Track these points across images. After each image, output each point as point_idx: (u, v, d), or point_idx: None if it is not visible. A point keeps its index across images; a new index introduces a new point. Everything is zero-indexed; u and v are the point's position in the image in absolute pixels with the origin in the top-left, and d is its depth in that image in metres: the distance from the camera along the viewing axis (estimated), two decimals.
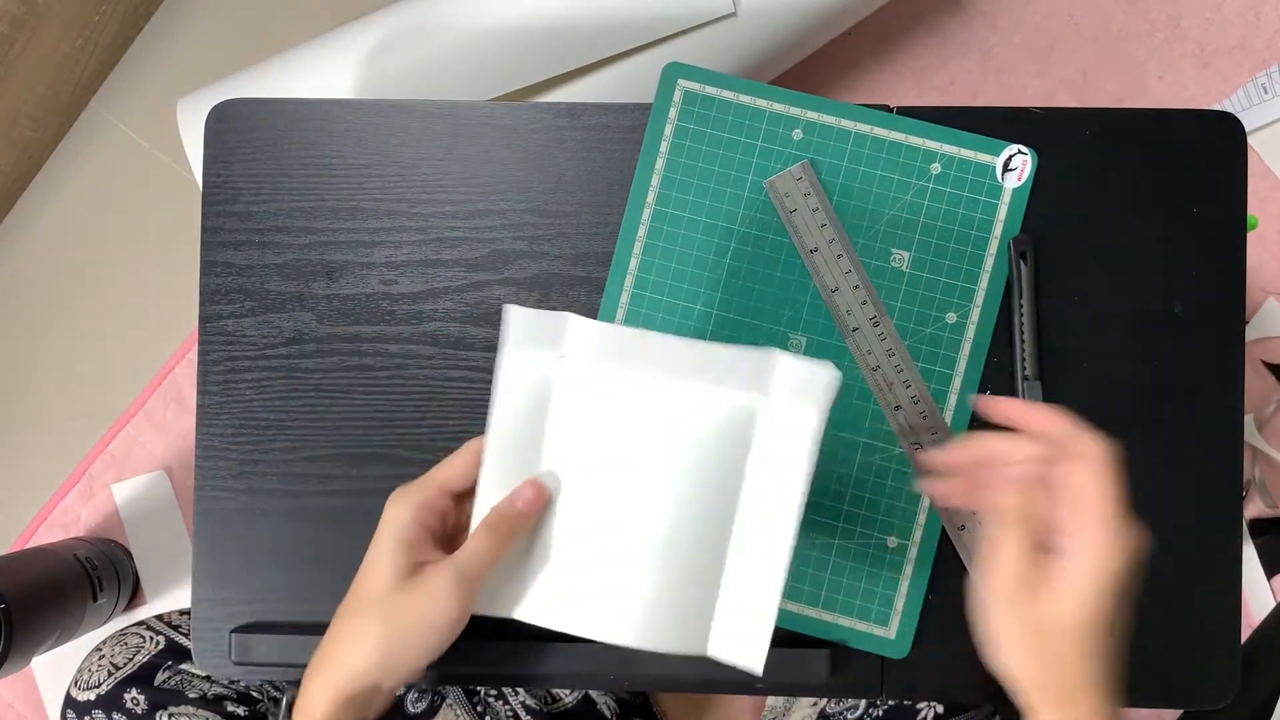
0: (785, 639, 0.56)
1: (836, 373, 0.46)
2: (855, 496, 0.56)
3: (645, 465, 0.48)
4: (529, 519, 0.47)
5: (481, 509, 0.48)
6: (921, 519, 0.55)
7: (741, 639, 0.47)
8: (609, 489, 0.48)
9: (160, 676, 0.64)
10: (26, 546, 1.04)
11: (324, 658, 0.45)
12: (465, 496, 0.49)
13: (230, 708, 0.63)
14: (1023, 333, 0.55)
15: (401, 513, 0.46)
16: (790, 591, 0.56)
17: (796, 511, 0.46)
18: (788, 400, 0.47)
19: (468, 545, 0.46)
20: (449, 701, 0.68)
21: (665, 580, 0.47)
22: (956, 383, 0.56)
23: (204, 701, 0.62)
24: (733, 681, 0.55)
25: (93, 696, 0.62)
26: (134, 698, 0.62)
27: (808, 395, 0.46)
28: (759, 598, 0.47)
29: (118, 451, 1.06)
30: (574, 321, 0.47)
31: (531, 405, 0.48)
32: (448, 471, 0.48)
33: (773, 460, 0.47)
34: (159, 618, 0.70)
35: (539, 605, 0.48)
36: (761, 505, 0.47)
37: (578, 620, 0.48)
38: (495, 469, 0.48)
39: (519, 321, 0.48)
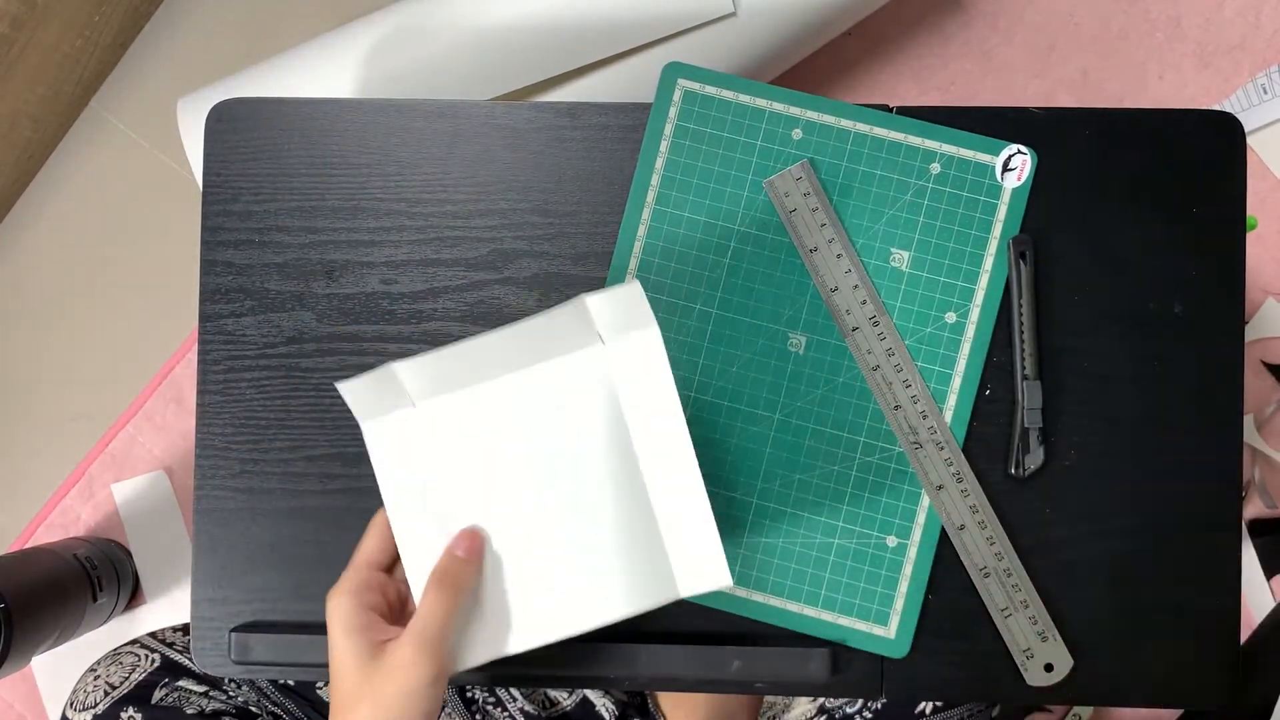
0: (785, 639, 0.56)
1: (635, 284, 0.47)
2: (855, 496, 0.56)
3: (537, 464, 0.49)
4: (473, 565, 0.48)
5: (415, 574, 0.49)
6: (921, 519, 0.55)
7: (700, 564, 0.48)
8: (518, 501, 0.49)
9: (157, 694, 0.63)
10: (26, 546, 1.04)
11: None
12: (395, 568, 0.50)
13: None
14: (1022, 332, 0.55)
15: (342, 604, 0.46)
16: (790, 591, 0.56)
17: (683, 427, 0.47)
18: (620, 334, 0.48)
19: (420, 608, 0.46)
20: (447, 710, 0.68)
21: (612, 552, 0.49)
22: (956, 382, 0.56)
23: (202, 718, 0.62)
24: (732, 681, 0.55)
25: (89, 717, 0.62)
26: (131, 717, 0.61)
27: (631, 319, 0.48)
28: (694, 520, 0.48)
29: (118, 451, 1.06)
30: (399, 368, 0.48)
31: (409, 463, 0.50)
32: (366, 550, 0.49)
33: (641, 395, 0.48)
34: (153, 635, 0.69)
35: (517, 634, 0.49)
36: (655, 441, 0.48)
37: (558, 627, 0.49)
38: (407, 535, 0.49)
39: (355, 394, 0.49)
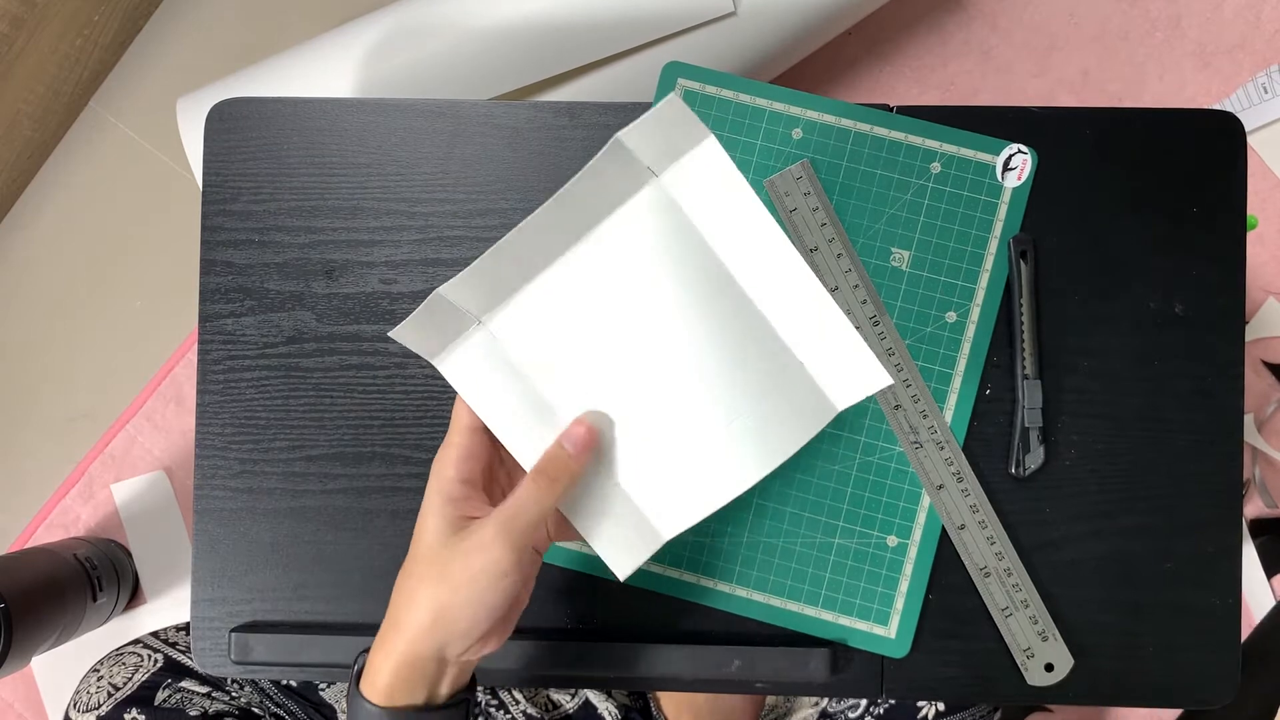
0: (785, 639, 0.56)
1: (674, 97, 0.41)
2: (855, 496, 0.56)
3: (633, 334, 0.45)
4: (580, 461, 0.44)
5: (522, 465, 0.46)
6: (921, 518, 0.55)
7: (849, 371, 0.43)
8: (627, 378, 0.45)
9: (160, 695, 0.63)
10: (26, 546, 1.04)
11: (386, 625, 0.44)
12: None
13: None
14: (1023, 332, 0.55)
15: (444, 469, 0.44)
16: (790, 591, 0.56)
17: (779, 234, 0.43)
18: (672, 159, 0.43)
19: (514, 494, 0.43)
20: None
21: (748, 395, 0.44)
22: (956, 382, 0.56)
23: (205, 718, 0.62)
24: (732, 681, 0.55)
25: (93, 718, 0.62)
26: (134, 718, 0.61)
27: (680, 138, 0.42)
28: (827, 327, 0.43)
29: (117, 451, 1.06)
30: (447, 291, 0.44)
31: (499, 384, 0.46)
32: (465, 410, 0.46)
33: (720, 217, 0.43)
34: (155, 635, 0.69)
35: (676, 515, 0.45)
36: (752, 259, 0.43)
37: (717, 493, 0.45)
38: (522, 449, 0.46)
39: (413, 335, 0.45)
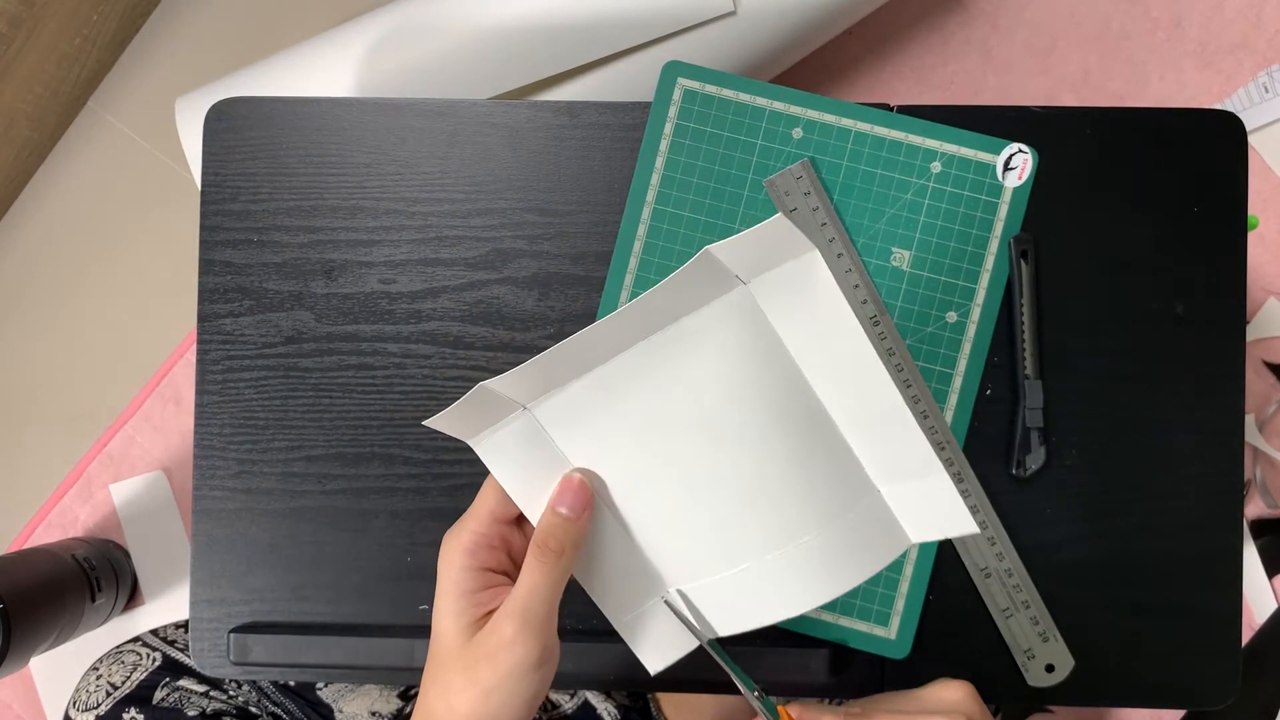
0: (785, 639, 0.55)
1: (780, 217, 0.37)
2: None
3: (703, 434, 0.40)
4: (580, 524, 0.41)
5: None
6: None
7: (929, 506, 0.40)
8: (689, 481, 0.41)
9: (159, 694, 0.63)
10: (25, 547, 1.04)
11: (424, 693, 0.42)
12: (524, 522, 0.44)
13: None
14: (1023, 332, 0.55)
15: (454, 560, 0.41)
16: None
17: (869, 349, 0.38)
18: (766, 269, 0.39)
19: (522, 576, 0.40)
20: None
21: (818, 522, 0.40)
22: (957, 382, 0.55)
23: (203, 718, 0.62)
24: (733, 682, 0.55)
25: (92, 718, 0.62)
26: (133, 717, 0.62)
27: (777, 252, 0.38)
28: (910, 454, 0.39)
29: (116, 452, 1.06)
30: (497, 384, 0.40)
31: (539, 465, 0.42)
32: (489, 499, 0.43)
33: (805, 325, 0.39)
34: (154, 633, 0.69)
35: (719, 622, 0.42)
36: (836, 371, 0.39)
37: (770, 612, 0.42)
38: (583, 564, 0.42)
39: (451, 422, 0.41)
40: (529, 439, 0.42)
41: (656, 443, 0.41)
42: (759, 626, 0.42)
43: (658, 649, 0.43)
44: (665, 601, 0.43)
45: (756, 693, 0.43)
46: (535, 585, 0.40)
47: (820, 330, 0.39)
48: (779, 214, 0.37)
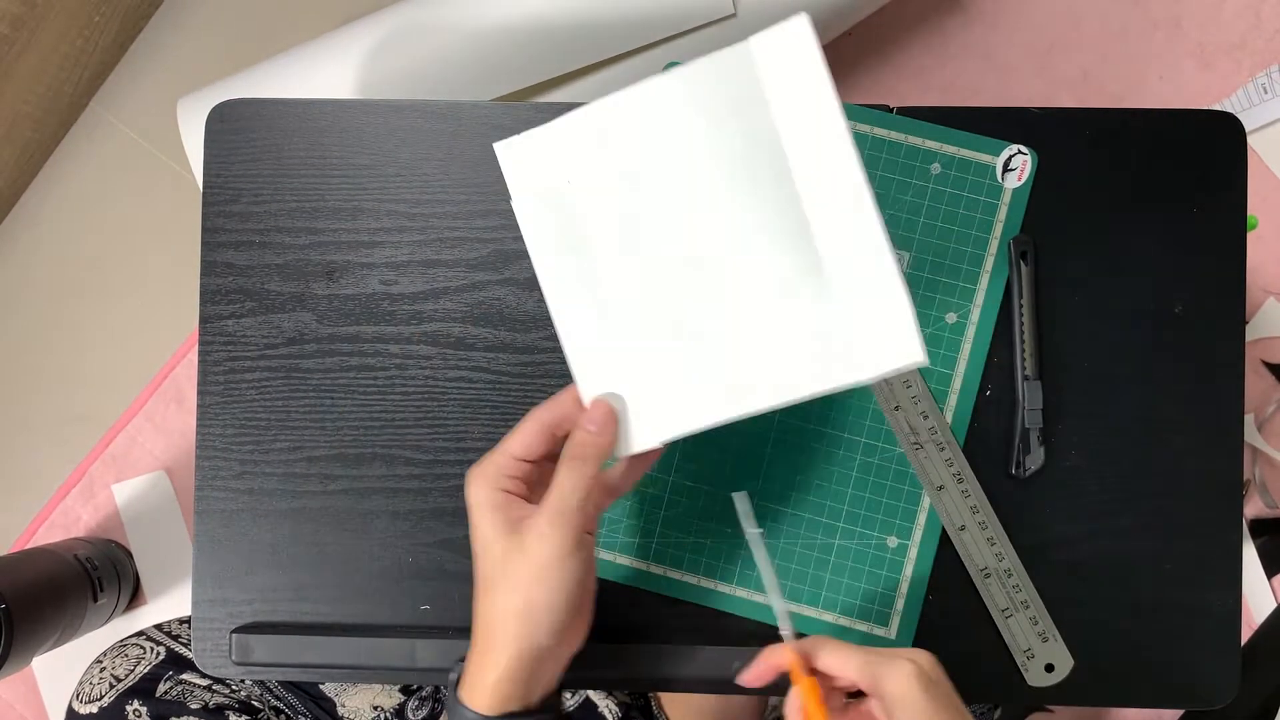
0: None
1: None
2: (855, 497, 0.56)
3: (679, 200, 0.43)
4: (606, 437, 0.46)
5: (573, 351, 0.47)
6: (922, 519, 0.55)
7: (884, 335, 0.39)
8: (667, 245, 0.44)
9: (162, 687, 0.63)
10: (27, 547, 1.04)
11: (479, 640, 0.45)
12: (543, 461, 0.47)
13: (232, 718, 0.63)
14: (1023, 332, 0.55)
15: (480, 488, 0.46)
16: (790, 592, 0.56)
17: (852, 151, 0.40)
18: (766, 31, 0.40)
19: (554, 484, 0.45)
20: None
21: (775, 314, 0.42)
22: (956, 383, 0.56)
23: (205, 712, 0.62)
24: (733, 682, 0.55)
25: (94, 710, 0.62)
26: (136, 709, 0.62)
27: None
28: (873, 277, 0.39)
29: (118, 452, 1.06)
30: (553, 131, 0.44)
31: (562, 228, 0.46)
32: (515, 440, 0.46)
33: (796, 104, 0.40)
34: (158, 627, 0.70)
35: (670, 419, 0.45)
36: (816, 169, 0.40)
37: (712, 410, 0.44)
38: (562, 303, 0.46)
39: (514, 161, 0.45)
40: (561, 202, 0.46)
41: (648, 202, 0.44)
42: (701, 426, 0.45)
43: (624, 434, 0.47)
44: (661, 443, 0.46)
45: (790, 626, 0.47)
46: (565, 487, 0.45)
47: (804, 113, 0.40)
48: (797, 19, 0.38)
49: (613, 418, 0.46)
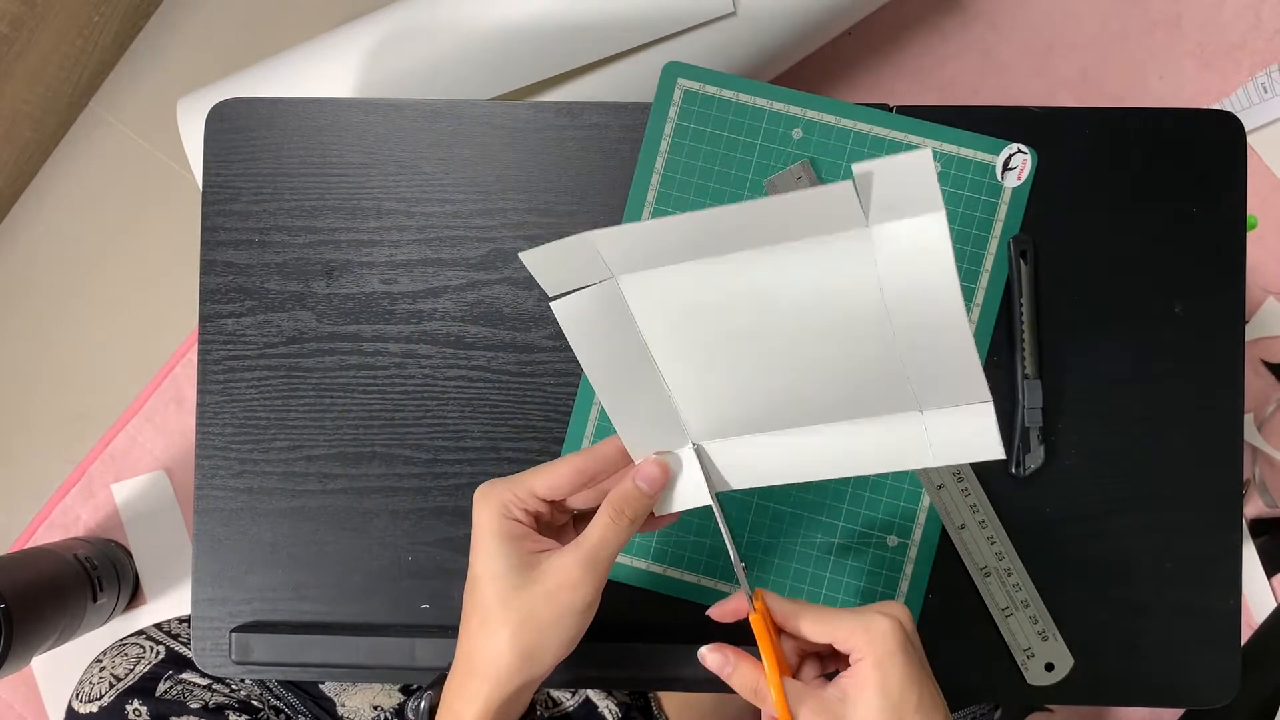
0: None
1: (927, 153, 0.36)
2: (855, 496, 0.56)
3: (774, 347, 0.42)
4: (650, 499, 0.45)
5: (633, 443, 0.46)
6: (922, 518, 0.55)
7: (965, 431, 0.42)
8: (751, 385, 0.44)
9: (162, 687, 0.63)
10: (27, 546, 1.04)
11: (461, 671, 0.44)
12: (558, 505, 0.46)
13: (233, 717, 0.63)
14: (1023, 332, 0.55)
15: (494, 514, 0.44)
16: (790, 591, 0.56)
17: (967, 333, 0.39)
18: (895, 214, 0.38)
19: (594, 528, 0.44)
20: None
21: (847, 414, 0.44)
22: None
23: (205, 711, 0.62)
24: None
25: (94, 709, 0.62)
26: (135, 709, 0.62)
27: (916, 195, 0.37)
28: (963, 380, 0.41)
29: (118, 451, 1.06)
30: (601, 240, 0.41)
31: (611, 331, 0.44)
32: (543, 479, 0.45)
33: (913, 293, 0.40)
34: (158, 627, 0.70)
35: (737, 475, 0.46)
36: (919, 316, 0.40)
37: (783, 472, 0.45)
38: (617, 407, 0.45)
39: (544, 264, 0.42)
40: (605, 305, 0.43)
41: (729, 345, 0.43)
42: (769, 484, 0.45)
43: (667, 496, 0.46)
44: (694, 447, 0.46)
45: (743, 565, 0.46)
46: (605, 538, 0.44)
47: (922, 291, 0.39)
48: (927, 150, 0.36)
49: (664, 478, 0.45)
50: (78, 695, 0.64)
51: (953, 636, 0.55)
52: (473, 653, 0.44)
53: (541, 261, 0.42)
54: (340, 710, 0.67)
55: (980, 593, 0.55)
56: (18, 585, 0.85)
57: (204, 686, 0.64)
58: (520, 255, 0.42)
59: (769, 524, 0.56)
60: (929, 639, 0.55)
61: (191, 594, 0.57)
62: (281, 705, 0.66)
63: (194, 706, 0.62)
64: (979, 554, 0.55)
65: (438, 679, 0.48)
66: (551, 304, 0.43)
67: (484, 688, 0.43)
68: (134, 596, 1.05)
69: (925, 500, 0.55)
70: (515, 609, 0.43)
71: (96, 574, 0.96)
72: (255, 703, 0.65)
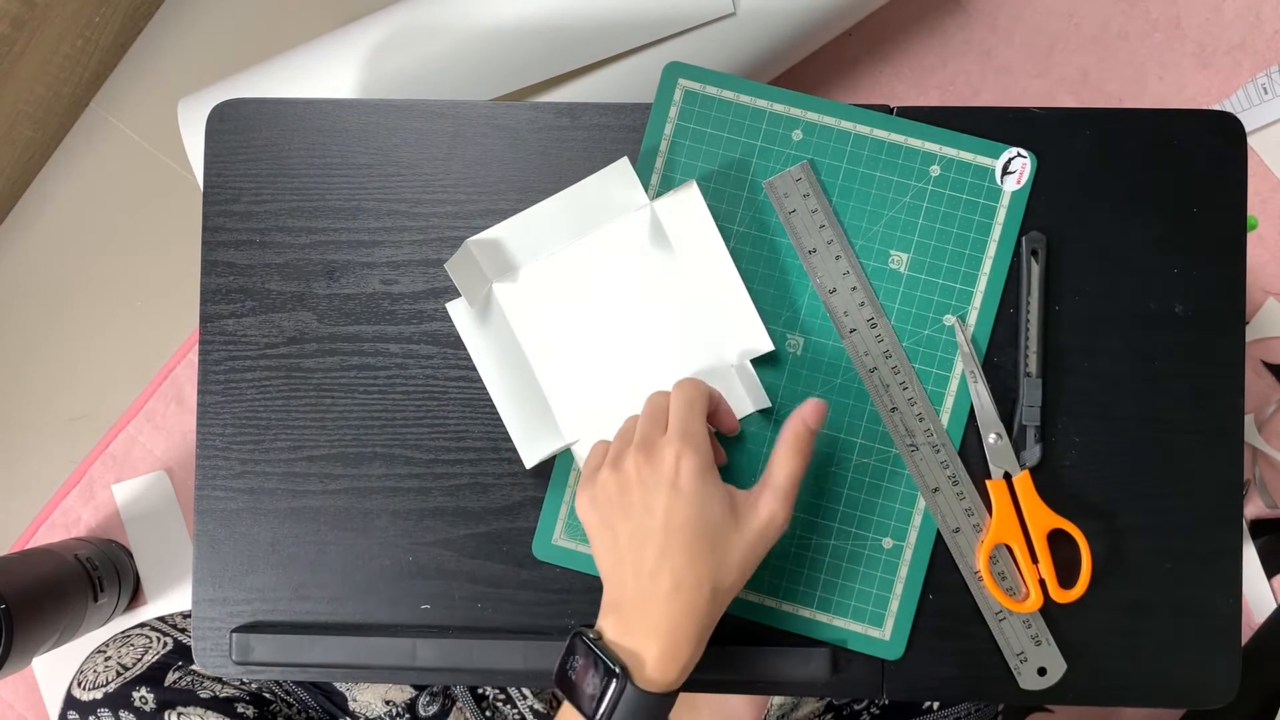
0: (785, 639, 0.56)
1: (692, 184, 0.56)
2: (850, 498, 0.56)
3: (616, 316, 0.56)
4: (815, 435, 0.51)
5: (558, 401, 0.56)
6: (917, 521, 0.55)
7: (746, 340, 0.56)
8: (606, 347, 0.56)
9: (171, 676, 0.63)
10: (27, 547, 1.04)
11: (637, 611, 0.46)
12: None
13: (241, 709, 0.63)
14: (1028, 330, 0.55)
15: (706, 459, 0.48)
16: (785, 592, 0.56)
17: (726, 258, 0.56)
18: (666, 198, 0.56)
19: (780, 466, 0.49)
20: (459, 704, 0.68)
21: (678, 365, 0.56)
22: (953, 385, 0.56)
23: (215, 702, 0.62)
24: (733, 681, 0.55)
25: (99, 695, 0.61)
26: (142, 696, 0.61)
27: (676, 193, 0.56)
28: (736, 306, 0.56)
29: (118, 452, 1.06)
30: (473, 243, 0.54)
31: (496, 329, 0.56)
32: (701, 417, 0.50)
33: (692, 242, 0.56)
34: (162, 619, 0.69)
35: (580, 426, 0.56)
36: (705, 273, 0.56)
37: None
38: (508, 399, 0.56)
39: (455, 273, 0.55)
40: (486, 308, 0.57)
41: (584, 324, 0.56)
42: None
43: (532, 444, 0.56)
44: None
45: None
46: (793, 469, 0.49)
47: (699, 247, 0.56)
48: (691, 183, 0.56)
49: (823, 410, 0.51)
50: (79, 683, 0.63)
51: (950, 637, 0.55)
52: (687, 572, 0.46)
53: (453, 270, 0.54)
54: (351, 705, 0.67)
55: (974, 596, 0.55)
56: (18, 585, 0.85)
57: (214, 678, 0.64)
58: (445, 266, 0.54)
59: None
60: (924, 641, 0.55)
61: (192, 594, 0.57)
62: (291, 700, 0.67)
63: (203, 697, 0.62)
64: (973, 557, 0.55)
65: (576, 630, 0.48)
66: (447, 306, 0.56)
67: (685, 624, 0.46)
68: (134, 597, 1.05)
69: (920, 503, 0.55)
70: (717, 546, 0.47)
71: (97, 574, 0.96)
72: (266, 695, 0.65)
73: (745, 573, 0.48)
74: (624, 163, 0.54)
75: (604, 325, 0.56)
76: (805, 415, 0.50)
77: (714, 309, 0.56)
